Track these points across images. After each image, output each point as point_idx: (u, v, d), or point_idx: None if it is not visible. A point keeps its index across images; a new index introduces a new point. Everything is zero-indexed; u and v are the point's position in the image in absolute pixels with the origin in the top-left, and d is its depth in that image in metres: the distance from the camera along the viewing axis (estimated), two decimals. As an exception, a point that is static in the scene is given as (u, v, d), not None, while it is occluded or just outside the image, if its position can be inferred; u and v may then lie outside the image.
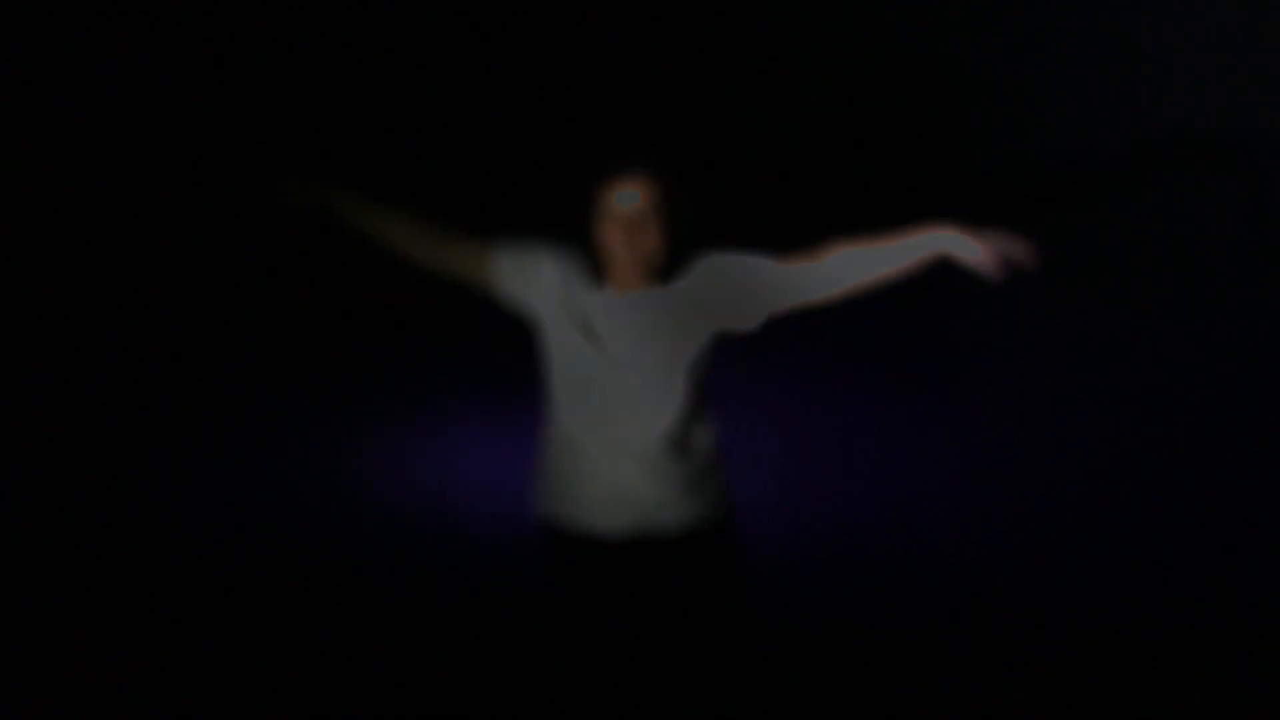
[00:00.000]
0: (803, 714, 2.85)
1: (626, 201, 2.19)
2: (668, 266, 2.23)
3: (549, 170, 3.06)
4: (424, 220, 2.34)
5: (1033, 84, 3.32)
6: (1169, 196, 3.33)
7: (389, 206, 2.35)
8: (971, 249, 2.07)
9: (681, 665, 2.32)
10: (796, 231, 2.51)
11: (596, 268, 2.26)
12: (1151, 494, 3.44)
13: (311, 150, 3.39)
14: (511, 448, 3.58)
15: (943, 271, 2.42)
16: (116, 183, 3.54)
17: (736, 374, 2.48)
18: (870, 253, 2.17)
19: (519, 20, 3.41)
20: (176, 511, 3.66)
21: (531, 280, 2.29)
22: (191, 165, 3.50)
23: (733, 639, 2.32)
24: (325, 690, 2.96)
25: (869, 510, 3.58)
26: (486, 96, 3.48)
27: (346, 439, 3.78)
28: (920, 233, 2.13)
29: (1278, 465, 3.38)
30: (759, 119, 3.41)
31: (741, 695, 2.34)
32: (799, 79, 3.38)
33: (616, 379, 2.21)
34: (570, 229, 2.28)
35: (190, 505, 3.68)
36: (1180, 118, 3.27)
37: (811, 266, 2.20)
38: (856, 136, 3.37)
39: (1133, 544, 3.41)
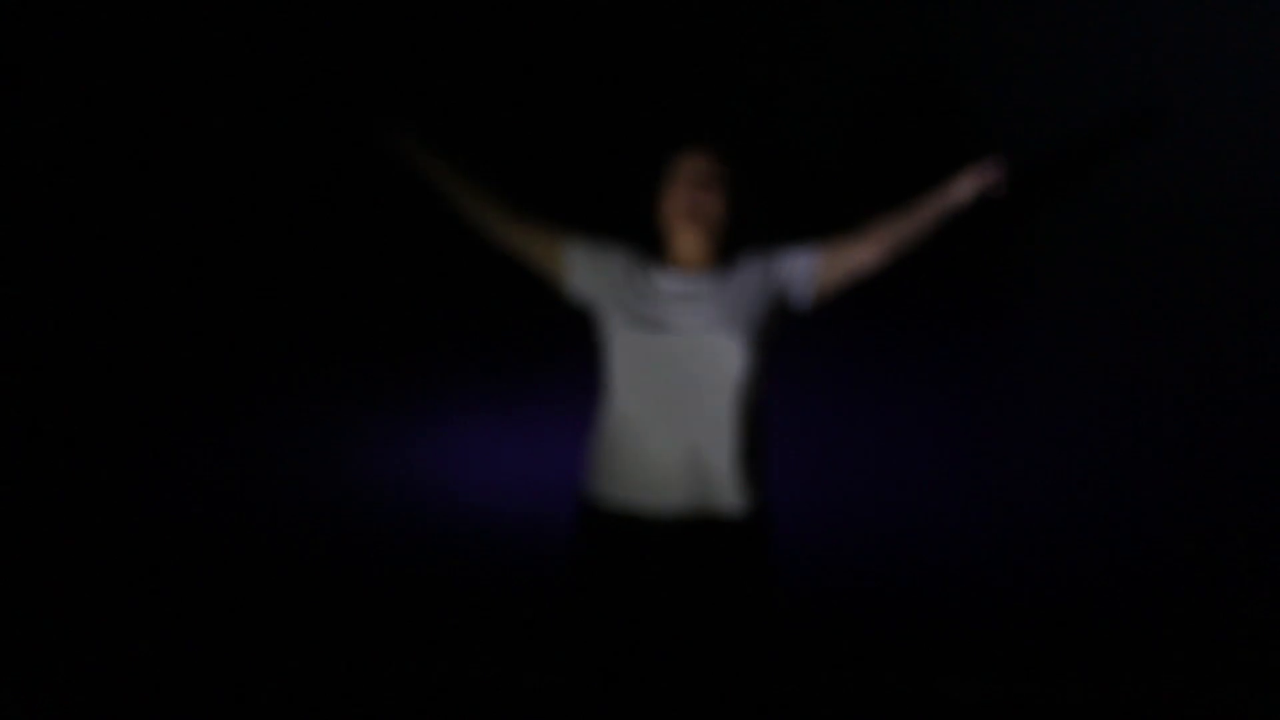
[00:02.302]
0: (811, 710, 2.85)
1: (696, 164, 2.41)
2: (725, 244, 2.42)
3: (593, 163, 3.08)
4: (505, 198, 2.50)
5: (1041, 86, 3.32)
6: (1172, 197, 3.32)
7: (475, 178, 2.50)
8: (962, 189, 2.44)
9: (705, 657, 2.34)
10: (815, 232, 2.59)
11: (660, 251, 2.45)
12: (1158, 495, 3.44)
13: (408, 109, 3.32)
14: (516, 442, 3.58)
15: (953, 272, 2.54)
16: (121, 177, 3.52)
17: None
18: (902, 219, 2.46)
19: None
20: (177, 509, 3.65)
21: (601, 273, 2.43)
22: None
23: (760, 632, 2.37)
24: (326, 690, 2.95)
25: (876, 509, 3.58)
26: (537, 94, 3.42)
27: (348, 433, 3.77)
28: (928, 198, 2.47)
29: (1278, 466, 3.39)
30: (775, 122, 3.39)
31: (760, 689, 2.36)
32: (814, 82, 3.37)
33: (678, 360, 2.32)
34: (637, 212, 2.48)
35: (191, 502, 3.67)
36: (1188, 119, 3.27)
37: (853, 240, 2.46)
38: (871, 141, 3.37)
39: (1136, 545, 3.41)
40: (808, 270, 2.44)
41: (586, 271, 2.44)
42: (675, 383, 2.31)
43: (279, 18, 3.36)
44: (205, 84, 3.47)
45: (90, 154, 3.53)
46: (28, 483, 3.60)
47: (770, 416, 2.50)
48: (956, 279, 3.40)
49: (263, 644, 3.16)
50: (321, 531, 3.62)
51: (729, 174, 2.42)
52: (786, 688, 2.90)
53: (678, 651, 2.36)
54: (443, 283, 3.54)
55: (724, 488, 2.32)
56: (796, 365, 3.57)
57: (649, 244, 2.49)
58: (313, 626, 3.25)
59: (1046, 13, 3.29)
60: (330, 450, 3.74)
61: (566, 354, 2.99)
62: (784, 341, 2.62)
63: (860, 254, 2.44)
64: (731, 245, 2.45)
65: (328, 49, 3.34)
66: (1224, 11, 3.23)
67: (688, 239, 2.40)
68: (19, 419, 3.62)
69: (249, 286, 3.63)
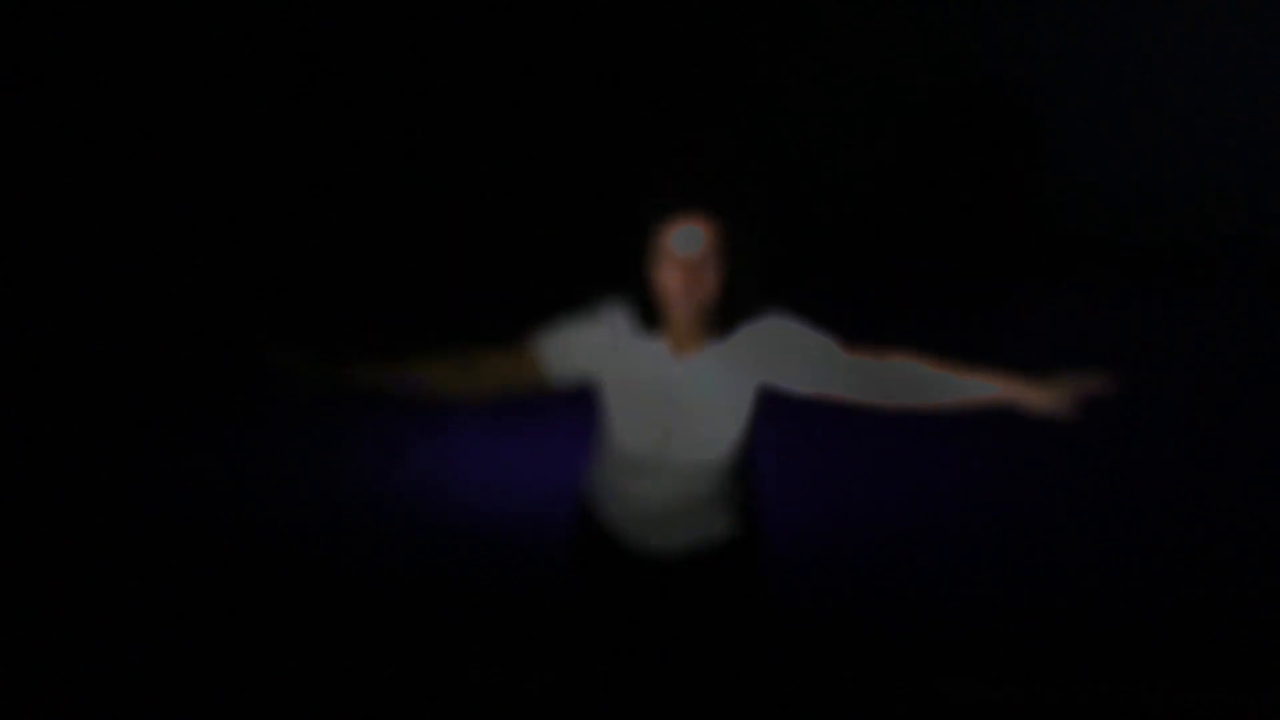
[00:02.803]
0: (811, 710, 2.85)
1: (686, 243, 2.07)
2: (725, 317, 2.15)
3: (595, 186, 3.05)
4: (450, 359, 2.27)
5: (1045, 86, 3.32)
6: (1176, 197, 3.33)
7: (409, 361, 2.28)
8: (1039, 403, 2.07)
9: (700, 664, 2.34)
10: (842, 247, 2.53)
11: (649, 311, 2.16)
12: (1158, 495, 3.44)
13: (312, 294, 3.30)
14: (515, 446, 3.59)
15: (953, 272, 2.44)
16: (121, 177, 3.53)
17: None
18: (934, 378, 2.12)
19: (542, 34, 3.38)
20: (177, 509, 3.66)
21: (580, 355, 2.22)
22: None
23: (754, 640, 2.36)
24: (326, 690, 2.96)
25: (876, 510, 3.58)
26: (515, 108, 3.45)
27: (348, 434, 3.77)
28: (990, 379, 2.11)
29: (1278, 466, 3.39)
30: (812, 140, 3.39)
31: (754, 695, 2.36)
32: (856, 101, 3.37)
33: (673, 432, 2.18)
34: (621, 270, 2.16)
35: (191, 502, 3.67)
36: (1189, 119, 3.27)
37: (873, 367, 2.13)
38: (913, 157, 3.37)
39: (1136, 545, 3.42)
40: (816, 379, 2.15)
41: (565, 362, 2.22)
42: (669, 450, 2.20)
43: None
44: (206, 83, 3.48)
45: (90, 154, 3.54)
46: (28, 483, 3.60)
47: (761, 428, 2.45)
48: (957, 278, 3.40)
49: (263, 644, 3.16)
50: (321, 531, 3.63)
51: (725, 239, 2.08)
52: (786, 688, 2.90)
53: (674, 656, 2.36)
54: (443, 283, 3.54)
55: (716, 528, 2.29)
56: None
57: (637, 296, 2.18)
58: (313, 626, 3.25)
59: (1046, 13, 3.30)
60: (330, 451, 3.75)
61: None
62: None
63: (873, 398, 2.15)
64: (738, 300, 2.15)
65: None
66: (1224, 11, 3.24)
67: (678, 320, 2.13)
68: (19, 419, 3.62)
69: (249, 287, 3.63)
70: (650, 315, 2.16)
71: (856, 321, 2.41)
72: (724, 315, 2.14)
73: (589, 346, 2.21)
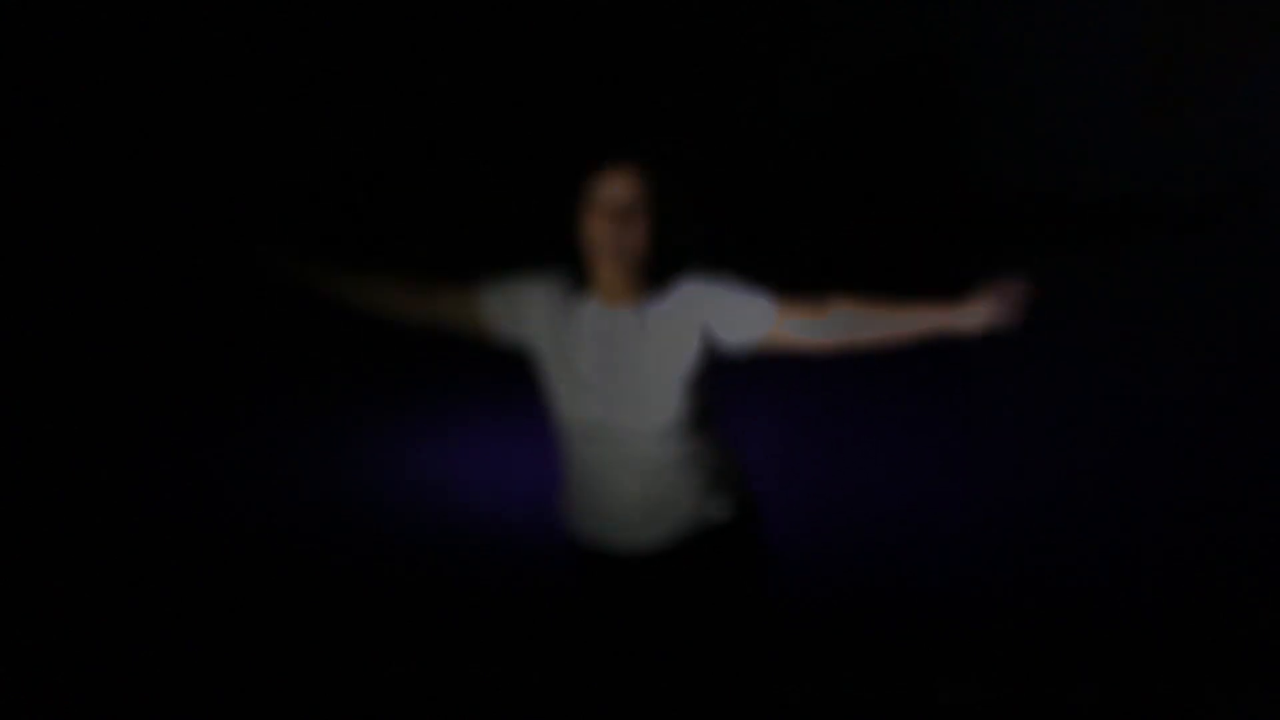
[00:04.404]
0: (811, 710, 2.85)
1: (613, 190, 2.12)
2: (655, 271, 2.16)
3: (541, 166, 3.04)
4: (403, 279, 2.32)
5: (1035, 81, 3.32)
6: (1176, 193, 3.32)
7: (364, 271, 2.34)
8: (970, 321, 2.07)
9: (698, 662, 2.33)
10: (795, 227, 2.52)
11: (583, 276, 2.20)
12: (1158, 495, 3.45)
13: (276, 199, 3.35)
14: (516, 446, 3.59)
15: (953, 270, 2.43)
16: (113, 186, 3.53)
17: (746, 375, 2.46)
18: (868, 318, 2.13)
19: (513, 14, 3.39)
20: (177, 509, 3.66)
21: (522, 313, 2.26)
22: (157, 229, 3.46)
23: (751, 635, 2.33)
24: (326, 690, 2.96)
25: (875, 509, 3.58)
26: (480, 88, 3.46)
27: (349, 434, 3.78)
28: (922, 311, 2.11)
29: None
30: (759, 112, 3.40)
31: (755, 686, 2.35)
32: (801, 74, 3.37)
33: (615, 397, 2.17)
34: (560, 230, 2.20)
35: (191, 502, 3.67)
36: (1187, 118, 3.27)
37: (808, 321, 2.14)
38: (857, 132, 3.37)
39: (1136, 545, 3.42)
40: (755, 322, 2.15)
41: (507, 316, 2.27)
42: (614, 432, 2.18)
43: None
44: (207, 84, 3.48)
45: (90, 154, 3.53)
46: (28, 483, 3.60)
47: (730, 420, 2.38)
48: (957, 277, 3.40)
49: (263, 644, 3.16)
50: (321, 532, 3.63)
51: (654, 193, 2.12)
52: (786, 688, 2.90)
53: (672, 651, 2.35)
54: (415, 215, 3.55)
55: (690, 516, 2.24)
56: (796, 366, 3.58)
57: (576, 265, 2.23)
58: (313, 626, 3.25)
59: (1044, 12, 3.30)
60: (331, 451, 3.75)
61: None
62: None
63: (815, 342, 2.15)
64: (668, 258, 2.17)
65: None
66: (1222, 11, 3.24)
67: (609, 275, 2.15)
68: (19, 419, 3.62)
69: (250, 287, 3.63)
70: (584, 275, 2.19)
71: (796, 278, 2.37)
72: (655, 271, 2.16)
73: (531, 305, 2.24)
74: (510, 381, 3.52)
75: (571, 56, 3.41)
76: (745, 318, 2.15)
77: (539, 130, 3.45)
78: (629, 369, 2.17)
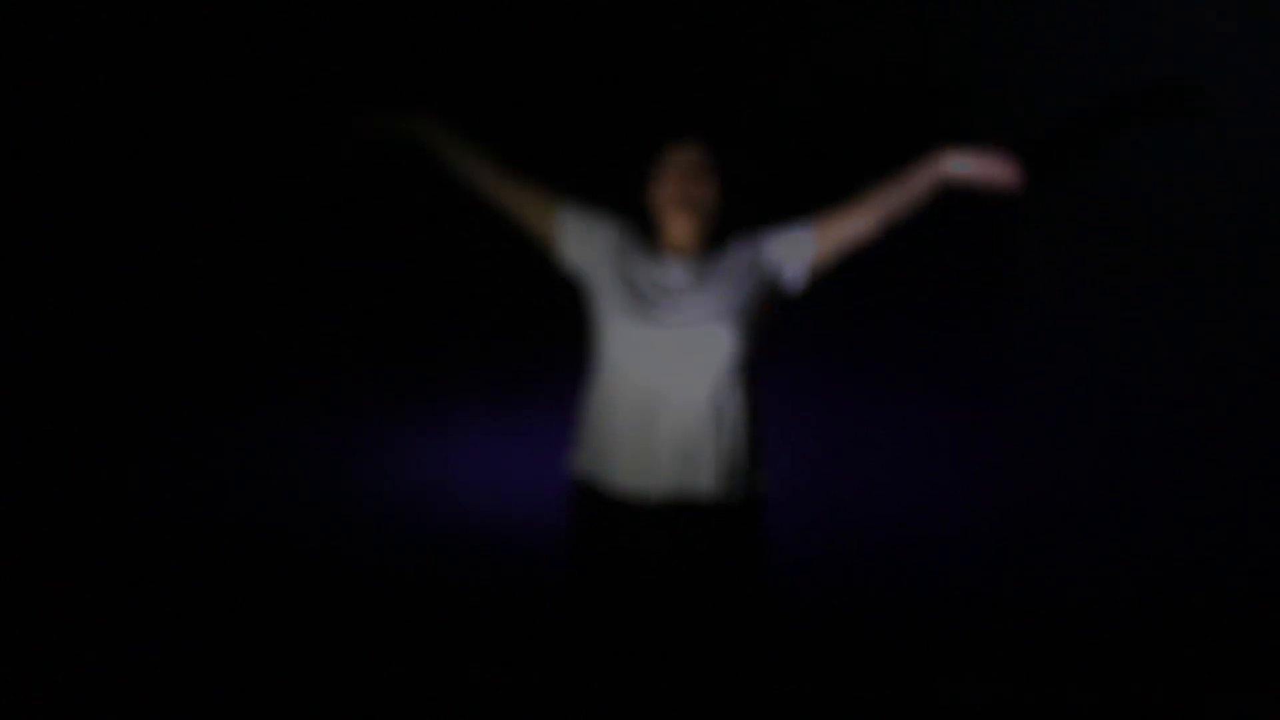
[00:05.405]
0: (811, 710, 2.85)
1: (687, 154, 2.40)
2: (718, 229, 2.42)
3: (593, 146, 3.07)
4: (504, 163, 2.49)
5: (1034, 80, 3.32)
6: (1176, 196, 3.32)
7: (474, 143, 2.50)
8: (965, 164, 2.38)
9: (696, 647, 2.33)
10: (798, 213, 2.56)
11: (652, 238, 2.44)
12: (1158, 495, 3.44)
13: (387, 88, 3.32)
14: (516, 447, 3.58)
15: (953, 270, 2.45)
16: (122, 170, 3.52)
17: (761, 372, 2.49)
18: (884, 190, 2.42)
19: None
20: (177, 509, 3.65)
21: (592, 243, 2.44)
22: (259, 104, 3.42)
23: (748, 622, 2.36)
24: (326, 690, 2.96)
25: (875, 509, 3.58)
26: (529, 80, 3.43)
27: (348, 434, 3.77)
28: (925, 167, 2.41)
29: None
30: (759, 112, 3.39)
31: (751, 683, 2.35)
32: (799, 72, 3.37)
33: (668, 349, 2.31)
34: (628, 197, 2.48)
35: (191, 502, 3.67)
36: (1186, 116, 3.27)
37: (842, 218, 2.43)
38: (857, 132, 3.37)
39: (1136, 545, 3.41)
40: (800, 246, 2.43)
41: (578, 240, 2.45)
42: (664, 371, 2.30)
43: (273, 16, 3.37)
44: (207, 83, 3.48)
45: (90, 154, 3.53)
46: (28, 483, 3.60)
47: (768, 411, 2.48)
48: (957, 277, 3.40)
49: (263, 644, 3.16)
50: (321, 532, 3.63)
51: (720, 166, 2.42)
52: (786, 688, 2.90)
53: (670, 639, 2.35)
54: (443, 283, 3.54)
55: (711, 475, 2.31)
56: (795, 364, 3.58)
57: (643, 228, 2.49)
58: (313, 626, 3.25)
59: (1045, 11, 3.29)
60: (330, 450, 3.74)
61: (567, 355, 2.99)
62: (781, 332, 2.61)
63: (854, 225, 2.42)
64: (723, 233, 2.45)
65: (320, 47, 3.35)
66: (1222, 11, 3.24)
67: (679, 226, 2.39)
68: (19, 419, 3.62)
69: (249, 287, 3.63)
70: (653, 234, 2.45)
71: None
72: (717, 229, 2.43)
73: (604, 237, 2.44)
74: (510, 381, 3.54)
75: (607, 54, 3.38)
76: (794, 247, 2.43)
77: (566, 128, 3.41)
78: (689, 307, 2.34)
